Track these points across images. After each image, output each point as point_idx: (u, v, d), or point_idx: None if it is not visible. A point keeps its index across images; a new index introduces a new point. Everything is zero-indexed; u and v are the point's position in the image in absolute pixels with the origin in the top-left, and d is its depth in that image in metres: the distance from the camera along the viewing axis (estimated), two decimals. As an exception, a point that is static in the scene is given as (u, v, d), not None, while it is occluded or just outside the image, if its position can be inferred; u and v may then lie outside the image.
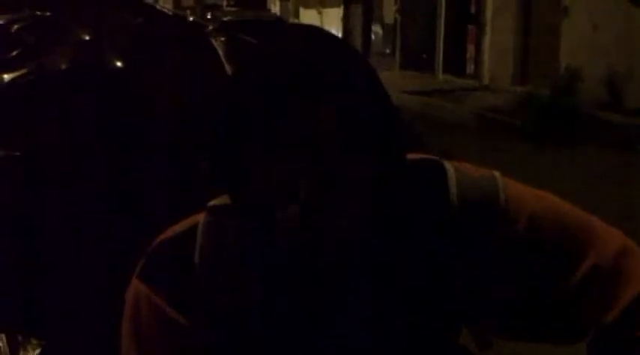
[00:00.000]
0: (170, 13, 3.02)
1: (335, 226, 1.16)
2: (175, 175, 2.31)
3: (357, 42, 23.98)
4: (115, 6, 2.68)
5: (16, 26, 2.46)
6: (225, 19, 19.05)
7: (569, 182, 7.72)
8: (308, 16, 27.62)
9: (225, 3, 30.25)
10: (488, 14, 17.55)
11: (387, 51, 22.56)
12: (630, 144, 10.35)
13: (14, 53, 2.41)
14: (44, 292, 2.24)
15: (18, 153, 2.26)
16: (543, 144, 10.67)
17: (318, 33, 1.23)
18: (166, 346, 1.28)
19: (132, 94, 2.41)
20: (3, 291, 2.25)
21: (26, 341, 2.24)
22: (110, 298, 2.16)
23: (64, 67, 2.40)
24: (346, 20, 25.31)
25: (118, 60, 2.46)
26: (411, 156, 1.31)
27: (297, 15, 28.71)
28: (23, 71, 2.38)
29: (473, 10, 18.32)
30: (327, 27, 25.68)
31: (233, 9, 27.28)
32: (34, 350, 2.27)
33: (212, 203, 1.30)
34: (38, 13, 2.52)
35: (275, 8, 30.79)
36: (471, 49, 18.27)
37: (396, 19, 22.10)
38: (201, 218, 1.30)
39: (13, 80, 2.35)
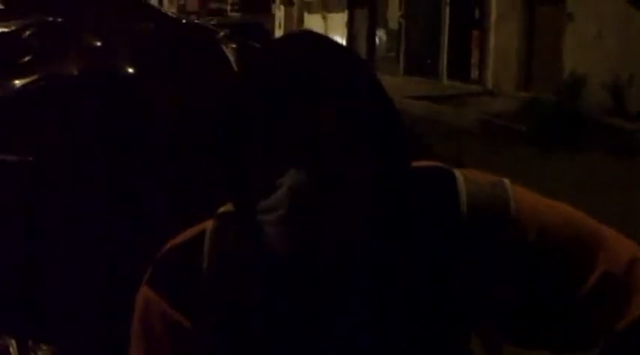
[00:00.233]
0: (181, 20, 3.03)
1: (335, 227, 1.17)
2: (175, 177, 2.32)
3: (362, 47, 24.00)
4: (126, 12, 2.68)
5: (27, 32, 2.47)
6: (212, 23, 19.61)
7: (573, 186, 7.72)
8: (312, 21, 27.64)
9: (229, 8, 30.30)
10: (493, 19, 17.55)
11: (392, 56, 22.57)
12: (634, 149, 10.35)
13: (25, 59, 2.43)
14: (44, 294, 2.25)
15: (30, 158, 2.28)
16: (547, 149, 10.67)
17: (318, 38, 1.24)
18: (175, 351, 1.29)
19: (137, 98, 2.42)
20: (3, 293, 2.26)
21: (36, 346, 2.24)
22: (110, 299, 2.18)
23: (74, 73, 2.41)
24: (350, 25, 25.34)
25: (128, 66, 2.46)
26: (421, 163, 1.32)
27: (301, 20, 28.73)
28: (34, 77, 2.39)
29: (477, 15, 18.33)
30: (331, 32, 25.72)
31: (236, 14, 27.36)
32: (44, 355, 2.28)
33: (221, 210, 1.31)
34: (49, 19, 2.53)
35: (279, 13, 30.83)
36: (475, 54, 18.27)
37: (400, 24, 22.12)
38: (209, 225, 1.31)
39: (23, 86, 2.37)
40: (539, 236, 1.27)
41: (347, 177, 1.16)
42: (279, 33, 26.44)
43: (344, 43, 24.91)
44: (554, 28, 15.34)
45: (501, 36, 17.13)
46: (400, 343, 1.25)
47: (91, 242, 2.29)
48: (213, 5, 32.50)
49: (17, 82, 2.37)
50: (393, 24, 22.65)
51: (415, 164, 1.31)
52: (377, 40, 23.84)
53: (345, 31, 25.31)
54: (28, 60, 2.42)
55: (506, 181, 1.31)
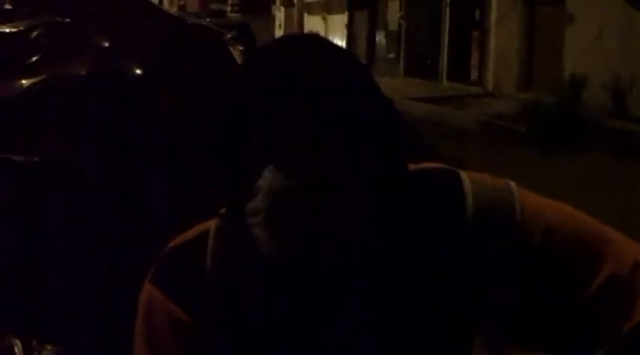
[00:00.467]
0: (190, 22, 3.03)
1: (335, 227, 1.17)
2: (176, 177, 2.32)
3: (362, 48, 24.00)
4: (134, 13, 2.69)
5: (35, 33, 2.48)
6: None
7: (573, 187, 7.72)
8: (313, 23, 27.64)
9: (229, 9, 30.31)
10: (493, 20, 17.56)
11: (392, 57, 22.58)
12: (634, 150, 10.35)
13: (33, 59, 2.43)
14: (45, 294, 2.25)
15: (36, 158, 2.28)
16: (547, 150, 10.67)
17: (318, 39, 1.25)
18: (179, 349, 1.29)
19: (142, 99, 2.42)
20: (4, 293, 2.26)
21: (40, 346, 2.24)
22: (111, 299, 2.18)
23: (81, 73, 2.42)
24: (351, 26, 25.34)
25: (134, 66, 2.47)
26: (427, 164, 1.32)
27: (301, 21, 28.73)
28: (41, 77, 2.39)
29: (477, 16, 18.33)
30: (331, 33, 25.72)
31: (236, 14, 27.39)
32: (48, 355, 2.28)
33: (224, 210, 1.31)
34: (57, 19, 2.53)
35: (279, 14, 30.83)
36: (475, 55, 18.27)
37: (400, 25, 22.12)
38: (212, 224, 1.32)
39: (31, 86, 2.37)
40: (545, 238, 1.27)
41: (347, 177, 1.17)
42: (279, 34, 26.43)
43: (344, 44, 24.92)
44: (555, 29, 15.35)
45: (502, 37, 17.13)
46: (400, 344, 1.25)
47: (92, 241, 2.29)
48: (214, 6, 32.49)
49: (24, 82, 2.38)
50: (393, 25, 22.65)
51: (422, 165, 1.31)
52: (377, 42, 23.84)
53: (345, 32, 25.31)
54: (36, 60, 2.43)
55: (512, 184, 1.31)
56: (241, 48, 2.57)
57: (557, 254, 1.27)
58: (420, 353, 1.26)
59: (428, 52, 20.19)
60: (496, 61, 17.37)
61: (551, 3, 15.72)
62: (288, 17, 30.17)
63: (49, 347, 2.24)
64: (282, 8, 30.75)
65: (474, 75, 18.29)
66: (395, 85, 18.76)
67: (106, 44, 2.49)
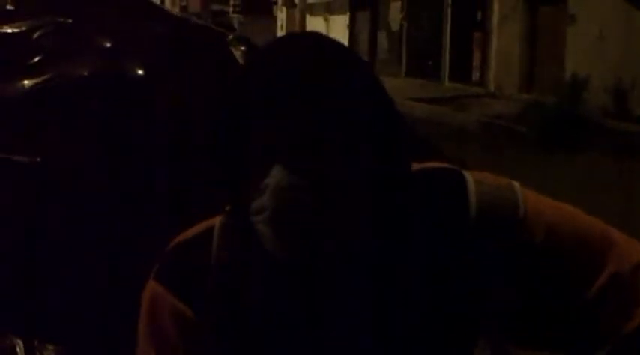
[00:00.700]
0: (192, 22, 3.03)
1: (335, 227, 1.17)
2: (176, 177, 2.32)
3: (364, 49, 23.98)
4: (136, 13, 2.69)
5: (37, 33, 2.48)
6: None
7: (574, 188, 7.70)
8: (314, 23, 27.63)
9: (231, 9, 30.30)
10: (495, 21, 17.54)
11: (393, 58, 22.56)
12: (635, 151, 10.33)
13: (35, 60, 2.43)
14: (45, 294, 2.25)
15: (38, 159, 2.28)
16: (549, 152, 10.66)
17: (320, 38, 1.25)
18: (183, 345, 1.29)
19: (143, 99, 2.42)
20: (4, 293, 2.26)
21: (42, 346, 2.24)
22: (112, 299, 2.18)
23: (83, 73, 2.42)
24: (352, 27, 25.32)
25: (136, 67, 2.47)
26: (431, 164, 1.32)
27: (303, 22, 28.72)
28: (44, 77, 2.39)
29: (479, 17, 18.31)
30: (333, 34, 25.66)
31: (238, 15, 27.37)
32: (50, 355, 2.28)
33: (229, 207, 1.31)
34: (59, 20, 2.53)
35: (281, 15, 30.81)
36: (477, 56, 18.25)
37: (402, 26, 22.10)
38: (217, 221, 1.32)
39: (33, 86, 2.37)
40: (547, 238, 1.27)
41: (347, 177, 1.17)
42: (280, 35, 26.41)
43: (346, 44, 24.87)
44: (556, 29, 15.33)
45: (503, 38, 17.12)
46: (401, 344, 1.25)
47: (92, 242, 2.29)
48: (215, 7, 32.49)
49: (26, 83, 2.38)
50: (395, 26, 22.63)
51: (425, 165, 1.31)
52: (378, 42, 23.82)
53: (346, 33, 25.28)
54: (38, 60, 2.43)
55: (516, 184, 1.32)
56: (243, 48, 2.57)
57: (559, 253, 1.28)
58: (421, 353, 1.26)
59: (429, 53, 20.18)
60: (498, 61, 17.35)
61: (553, 4, 15.71)
62: (289, 18, 30.15)
63: (50, 347, 2.24)
64: (284, 9, 30.73)
65: (476, 75, 18.27)
66: (396, 86, 18.73)
67: (108, 44, 2.49)
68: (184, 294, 1.29)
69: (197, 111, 2.36)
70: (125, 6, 2.74)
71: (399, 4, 22.39)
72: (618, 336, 1.27)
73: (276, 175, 1.15)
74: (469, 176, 1.31)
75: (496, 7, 17.52)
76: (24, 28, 2.50)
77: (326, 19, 27.11)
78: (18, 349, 2.24)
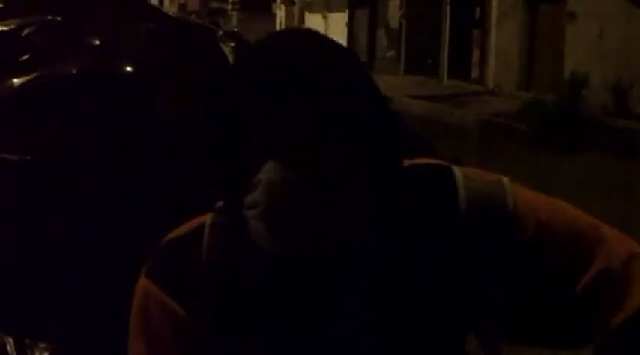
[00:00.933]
0: (181, 19, 3.03)
1: (334, 227, 1.17)
2: (176, 177, 2.32)
3: (362, 46, 23.97)
4: (125, 11, 2.68)
5: (27, 30, 2.47)
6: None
7: (573, 186, 7.71)
8: (313, 21, 27.62)
9: (229, 7, 30.27)
10: (494, 19, 17.53)
11: (392, 55, 22.55)
12: (635, 149, 10.33)
13: (25, 57, 2.42)
14: (46, 294, 2.25)
15: (28, 158, 2.28)
16: (548, 150, 10.66)
17: (317, 36, 1.25)
18: (174, 343, 1.29)
19: (136, 98, 2.41)
20: (4, 293, 2.26)
21: (34, 344, 2.24)
22: (112, 299, 2.17)
23: (74, 71, 2.41)
24: (351, 25, 25.32)
25: (128, 64, 2.46)
26: (419, 160, 1.32)
27: (302, 19, 28.71)
28: (33, 75, 2.39)
29: (478, 14, 18.30)
30: (332, 31, 25.66)
31: (237, 13, 27.34)
32: (41, 353, 2.28)
33: (220, 204, 1.31)
34: (49, 17, 2.52)
35: (280, 13, 30.80)
36: (476, 53, 18.25)
37: (401, 23, 22.10)
38: (208, 218, 1.32)
39: (23, 84, 2.36)
40: (537, 232, 1.27)
41: (347, 177, 1.17)
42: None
43: (345, 42, 24.90)
44: (555, 27, 15.32)
45: (502, 35, 17.11)
46: (399, 342, 1.25)
47: (92, 242, 2.29)
48: (214, 5, 32.45)
49: (16, 81, 2.37)
50: (394, 24, 22.62)
51: (414, 161, 1.31)
52: (377, 40, 23.81)
53: (345, 30, 25.28)
54: (27, 58, 2.42)
55: (504, 178, 1.32)
56: (232, 44, 2.56)
57: (549, 248, 1.28)
58: (417, 349, 1.26)
59: (428, 51, 20.17)
60: (497, 59, 17.34)
61: (552, 1, 15.70)
62: (288, 15, 30.15)
63: (41, 345, 2.24)
64: (283, 6, 30.72)
65: (475, 73, 18.26)
66: (395, 83, 18.73)
67: (97, 42, 2.48)
68: (175, 291, 1.28)
69: (193, 109, 2.35)
70: (115, 4, 2.73)
71: (397, 2, 22.38)
72: (606, 330, 1.27)
73: (268, 170, 1.15)
74: (458, 171, 1.31)
75: (495, 4, 17.51)
76: (13, 26, 2.49)
77: (325, 17, 27.10)
78: (8, 347, 2.24)
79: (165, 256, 1.32)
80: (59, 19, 2.53)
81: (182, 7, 32.62)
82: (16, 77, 2.38)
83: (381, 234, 1.24)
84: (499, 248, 1.26)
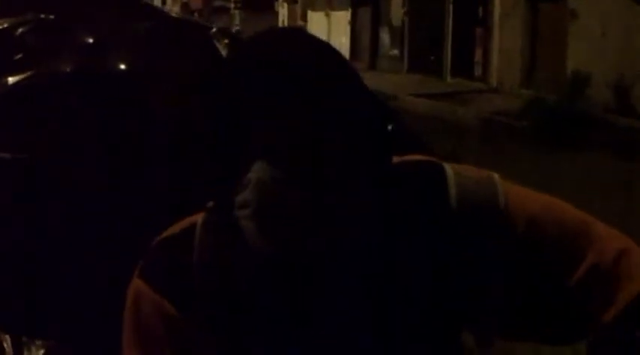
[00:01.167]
0: (174, 15, 3.02)
1: (325, 227, 1.17)
2: (176, 177, 2.32)
3: (365, 44, 23.98)
4: (118, 9, 2.68)
5: (20, 29, 2.47)
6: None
7: (575, 185, 7.71)
8: (316, 19, 27.61)
9: (232, 6, 30.30)
10: (496, 17, 17.54)
11: (395, 54, 22.55)
12: (637, 147, 10.33)
13: (18, 56, 2.42)
14: (46, 294, 2.25)
15: (22, 156, 2.27)
16: (549, 148, 10.66)
17: (310, 37, 1.25)
18: (167, 343, 1.29)
19: (133, 98, 2.41)
20: (4, 293, 2.26)
21: (30, 342, 2.25)
22: (111, 299, 2.17)
23: (67, 70, 2.41)
24: (354, 23, 25.31)
25: (122, 63, 2.46)
26: (410, 157, 1.32)
27: (304, 18, 28.71)
28: (27, 74, 2.38)
29: (481, 13, 18.31)
30: (334, 29, 25.68)
31: (239, 11, 27.36)
32: (38, 350, 2.28)
33: (211, 203, 1.31)
34: (42, 16, 2.52)
35: (282, 11, 30.81)
36: (478, 52, 18.25)
37: (403, 21, 22.10)
38: (199, 218, 1.32)
39: (16, 83, 2.36)
40: (528, 228, 1.27)
41: (347, 176, 1.17)
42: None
43: (347, 40, 24.89)
44: (558, 25, 15.32)
45: (505, 34, 17.11)
46: (398, 340, 1.25)
47: (92, 241, 2.29)
48: (217, 3, 32.48)
49: (10, 80, 2.37)
50: (397, 22, 22.62)
51: (405, 158, 1.31)
52: (380, 38, 23.81)
53: (348, 28, 25.28)
54: (21, 57, 2.42)
55: (495, 175, 1.32)
56: (226, 41, 2.56)
57: (540, 244, 1.27)
58: (416, 347, 1.26)
59: (431, 49, 20.17)
60: (499, 57, 17.35)
61: (554, 0, 15.70)
62: (291, 13, 30.15)
63: (38, 343, 2.25)
64: (285, 5, 30.73)
65: (478, 71, 18.27)
66: (398, 82, 18.74)
67: (92, 41, 2.48)
68: (167, 291, 1.28)
69: (193, 109, 2.35)
70: (108, 2, 2.73)
71: (400, 0, 22.39)
72: (598, 326, 1.27)
73: (258, 170, 1.15)
74: (449, 168, 1.30)
75: (498, 2, 17.52)
76: (7, 25, 2.49)
77: (327, 15, 27.10)
78: (5, 345, 2.25)
79: (157, 256, 1.32)
80: (53, 18, 2.53)
81: (185, 5, 32.65)
82: (10, 76, 2.37)
83: (379, 232, 1.24)
84: (490, 243, 1.26)
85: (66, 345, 2.28)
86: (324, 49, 1.22)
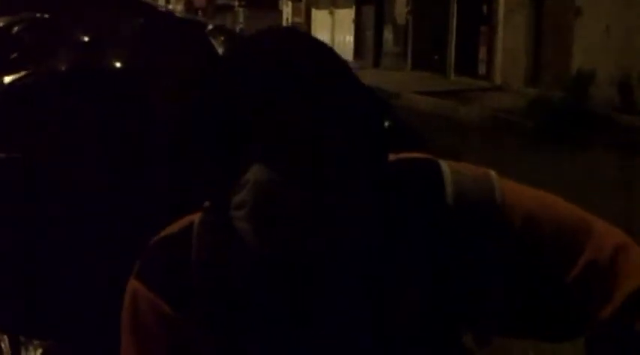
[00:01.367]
0: (170, 13, 3.02)
1: (324, 227, 1.16)
2: (176, 177, 2.31)
3: (369, 42, 23.98)
4: (115, 7, 2.67)
5: (16, 28, 2.46)
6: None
7: (579, 183, 7.71)
8: (320, 17, 27.64)
9: (236, 4, 30.33)
10: (501, 15, 17.52)
11: (399, 51, 22.55)
12: (640, 147, 10.33)
13: (14, 55, 2.42)
14: (45, 294, 2.25)
15: (18, 155, 2.27)
16: (555, 146, 10.65)
17: (305, 35, 1.25)
18: (165, 343, 1.29)
19: (131, 95, 2.40)
20: (4, 293, 2.26)
21: (28, 341, 2.25)
22: (111, 299, 2.17)
23: (64, 68, 2.40)
24: (358, 21, 25.31)
25: (120, 60, 2.45)
26: (407, 155, 1.31)
27: (309, 16, 28.73)
28: (23, 73, 2.38)
29: (485, 10, 18.30)
30: (338, 27, 25.70)
31: (242, 9, 27.40)
32: (35, 350, 2.29)
33: (207, 203, 1.30)
34: (38, 14, 2.52)
35: (287, 9, 30.82)
36: (483, 49, 18.24)
37: (407, 19, 22.09)
38: (196, 217, 1.31)
39: (12, 82, 2.36)
40: (525, 224, 1.27)
41: (347, 176, 1.16)
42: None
43: (351, 39, 24.92)
44: (562, 23, 15.31)
45: (509, 32, 17.10)
46: (398, 342, 1.25)
47: (92, 242, 2.28)
48: (220, 1, 32.50)
49: (6, 79, 2.36)
50: (401, 20, 22.61)
51: (401, 155, 1.31)
52: (384, 36, 23.81)
53: (352, 26, 25.28)
54: (16, 56, 2.41)
55: (492, 172, 1.32)
56: (222, 38, 2.55)
57: (538, 240, 1.27)
58: (417, 349, 1.26)
59: (435, 47, 20.16)
60: (504, 55, 17.33)
61: (559, -3, 15.70)
62: (295, 11, 30.16)
63: (36, 342, 2.25)
64: (290, 3, 30.73)
65: (482, 69, 18.26)
66: (402, 79, 18.74)
67: (88, 39, 2.47)
68: (164, 292, 1.28)
69: (185, 106, 2.34)
70: (105, 0, 2.73)
71: (404, -2, 22.40)
72: (596, 322, 1.27)
73: (254, 171, 1.14)
74: (445, 165, 1.30)
75: (502, 1, 17.51)
76: (2, 24, 2.48)
77: (331, 13, 27.11)
78: (3, 345, 2.25)
79: (154, 255, 1.32)
80: (48, 16, 2.52)
81: (188, 3, 32.66)
82: (6, 75, 2.37)
83: (378, 232, 1.24)
84: (488, 241, 1.26)
85: (65, 345, 2.28)
86: (322, 46, 1.22)
